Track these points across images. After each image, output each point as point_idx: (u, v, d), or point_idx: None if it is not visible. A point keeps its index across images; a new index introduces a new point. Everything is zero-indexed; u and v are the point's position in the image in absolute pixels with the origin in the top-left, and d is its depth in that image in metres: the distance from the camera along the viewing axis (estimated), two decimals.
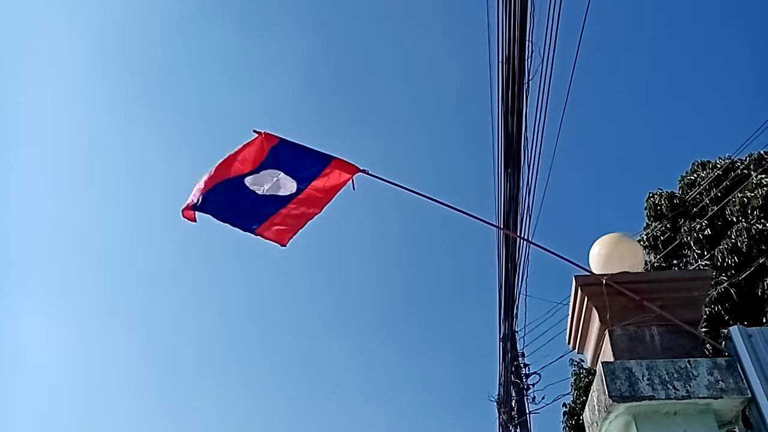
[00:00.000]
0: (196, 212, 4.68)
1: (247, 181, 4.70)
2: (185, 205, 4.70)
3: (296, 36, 31.59)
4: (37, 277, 32.84)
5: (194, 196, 4.68)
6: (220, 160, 4.74)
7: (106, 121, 30.59)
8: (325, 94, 33.04)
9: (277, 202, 4.72)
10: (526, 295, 11.98)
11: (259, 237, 4.72)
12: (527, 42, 6.54)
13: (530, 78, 6.93)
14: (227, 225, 4.72)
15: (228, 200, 4.70)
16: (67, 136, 30.97)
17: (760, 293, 11.18)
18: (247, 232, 4.72)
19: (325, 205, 4.70)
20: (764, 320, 10.95)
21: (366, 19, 30.92)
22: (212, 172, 4.72)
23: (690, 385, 3.03)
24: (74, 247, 32.72)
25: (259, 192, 4.70)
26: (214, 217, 4.69)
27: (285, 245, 4.73)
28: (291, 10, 30.26)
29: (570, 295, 3.72)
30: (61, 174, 31.69)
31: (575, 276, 3.62)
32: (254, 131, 4.76)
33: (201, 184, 4.71)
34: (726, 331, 3.30)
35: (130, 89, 30.67)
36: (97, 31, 29.28)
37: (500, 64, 7.01)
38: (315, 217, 4.73)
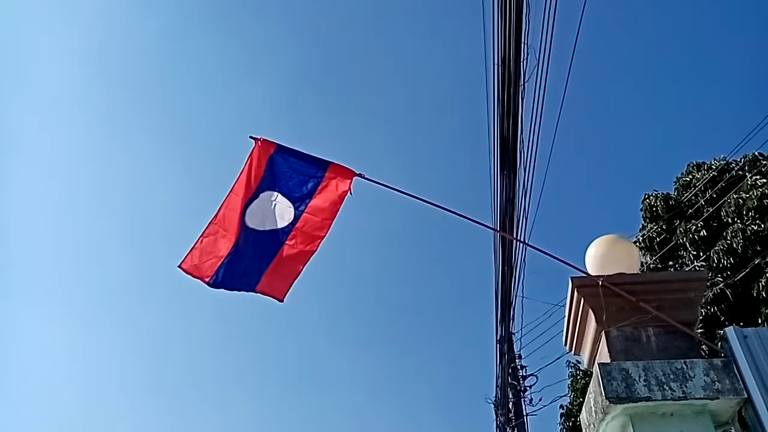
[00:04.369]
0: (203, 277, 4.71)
1: (248, 217, 4.70)
2: (196, 267, 4.69)
3: (292, 39, 31.64)
4: (36, 279, 32.80)
5: (208, 262, 4.67)
6: (227, 195, 4.73)
7: (102, 125, 30.60)
8: (321, 97, 33.08)
9: (276, 240, 4.74)
10: (522, 296, 12.00)
11: (260, 294, 4.75)
12: (523, 44, 6.56)
13: (526, 80, 6.94)
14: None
15: (236, 263, 4.70)
16: (65, 140, 30.96)
17: (755, 294, 11.20)
18: (250, 293, 4.76)
19: (326, 232, 4.71)
20: (760, 321, 10.97)
21: (362, 21, 30.99)
22: (222, 219, 4.70)
23: (686, 386, 3.03)
24: (73, 250, 32.68)
25: (259, 229, 4.73)
26: (227, 290, 4.75)
27: (282, 301, 4.75)
28: (286, 13, 30.30)
29: (566, 297, 3.73)
30: (60, 178, 31.65)
31: (571, 277, 3.63)
32: (251, 137, 4.76)
33: (215, 245, 4.68)
34: (722, 332, 3.31)
35: (127, 93, 30.66)
36: (92, 36, 29.27)
37: (496, 66, 7.02)
38: (318, 249, 4.74)
